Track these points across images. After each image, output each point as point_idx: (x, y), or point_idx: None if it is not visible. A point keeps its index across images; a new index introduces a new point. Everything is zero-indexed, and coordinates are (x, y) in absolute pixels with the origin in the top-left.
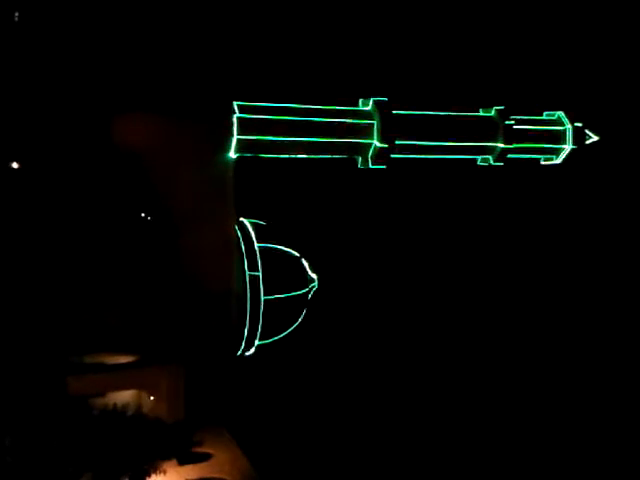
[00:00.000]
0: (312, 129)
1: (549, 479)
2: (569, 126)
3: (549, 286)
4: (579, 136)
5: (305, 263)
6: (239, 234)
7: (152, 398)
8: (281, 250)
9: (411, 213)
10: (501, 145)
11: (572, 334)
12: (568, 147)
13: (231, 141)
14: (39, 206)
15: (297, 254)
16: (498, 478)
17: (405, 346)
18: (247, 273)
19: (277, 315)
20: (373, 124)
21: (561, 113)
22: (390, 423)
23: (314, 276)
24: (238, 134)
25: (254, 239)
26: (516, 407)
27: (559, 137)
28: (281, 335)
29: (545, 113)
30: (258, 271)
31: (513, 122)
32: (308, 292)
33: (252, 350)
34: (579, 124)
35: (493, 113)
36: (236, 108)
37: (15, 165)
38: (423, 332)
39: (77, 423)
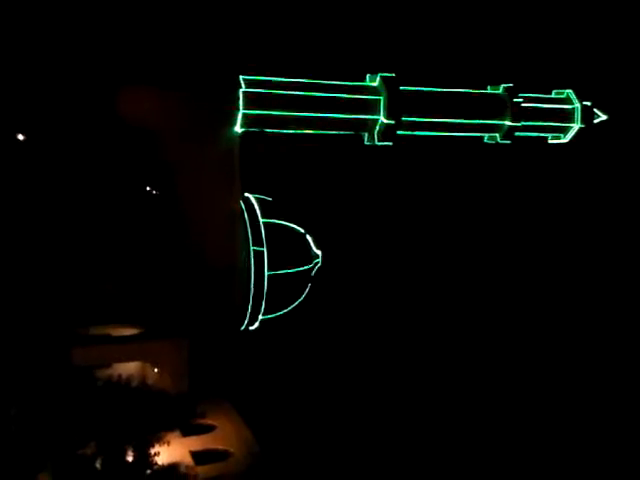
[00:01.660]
0: (318, 104)
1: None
2: (578, 105)
3: (554, 268)
4: (588, 115)
5: (310, 239)
6: (244, 209)
7: (156, 370)
8: (286, 226)
9: (417, 191)
10: (508, 123)
11: (577, 321)
12: (576, 126)
13: (237, 115)
14: (45, 178)
15: (302, 230)
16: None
17: (407, 322)
18: (252, 248)
19: (281, 290)
20: (380, 100)
21: (570, 91)
22: (390, 396)
23: (318, 252)
24: (244, 108)
25: (259, 214)
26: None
27: (567, 115)
28: (285, 310)
29: (554, 91)
30: (263, 246)
31: (521, 100)
32: (312, 268)
33: (256, 325)
34: (588, 103)
35: (501, 91)
36: (242, 82)
37: (21, 137)
38: (425, 310)
39: (82, 393)
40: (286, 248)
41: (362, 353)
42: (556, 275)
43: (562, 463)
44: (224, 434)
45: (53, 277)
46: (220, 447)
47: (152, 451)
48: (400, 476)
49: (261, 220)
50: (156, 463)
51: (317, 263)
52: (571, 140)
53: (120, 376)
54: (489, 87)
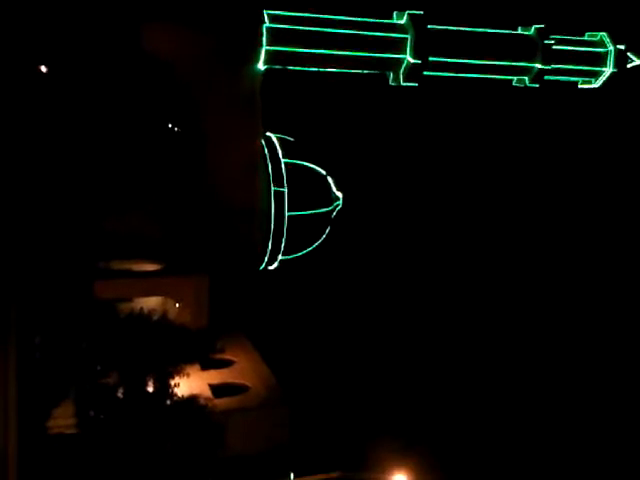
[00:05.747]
0: (343, 42)
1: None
2: (611, 48)
3: (577, 223)
4: (621, 59)
5: (331, 181)
6: (265, 149)
7: (177, 305)
8: (307, 167)
9: (441, 134)
10: (539, 65)
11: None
12: (608, 70)
13: (260, 52)
14: (68, 112)
15: (323, 171)
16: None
17: (424, 268)
18: (272, 188)
19: (300, 232)
20: (407, 39)
21: (604, 34)
22: (402, 336)
23: (339, 194)
24: (267, 45)
25: (280, 154)
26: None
27: (600, 59)
28: (304, 251)
29: (587, 34)
30: (283, 187)
31: (553, 42)
32: (332, 210)
33: (275, 265)
34: (622, 46)
35: (532, 32)
36: (266, 17)
37: (44, 69)
38: (444, 257)
39: (104, 325)
40: (307, 189)
41: (376, 294)
42: (584, 231)
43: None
44: (242, 369)
45: (76, 212)
46: (238, 381)
47: (172, 383)
48: (407, 402)
49: (282, 160)
50: (176, 394)
51: (337, 205)
52: (602, 85)
53: (142, 310)
54: (520, 28)
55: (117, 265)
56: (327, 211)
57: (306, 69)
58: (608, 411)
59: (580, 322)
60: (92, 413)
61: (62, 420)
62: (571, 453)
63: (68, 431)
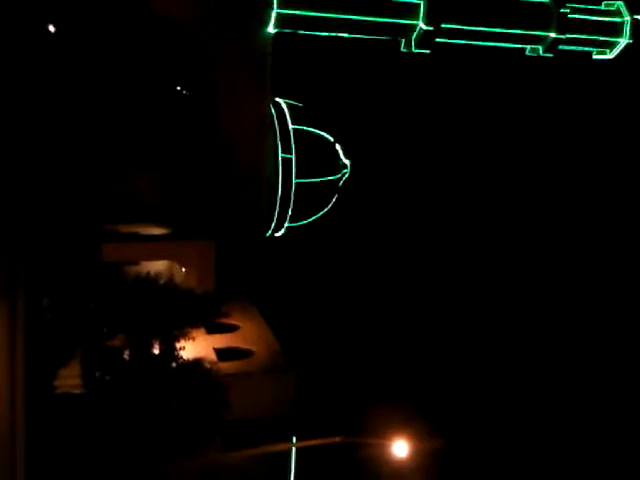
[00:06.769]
0: (356, 6)
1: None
2: (628, 18)
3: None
4: (637, 30)
5: (339, 148)
6: (274, 114)
7: (184, 270)
8: (315, 133)
9: (452, 103)
10: (553, 35)
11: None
12: (624, 41)
13: (270, 15)
14: (76, 73)
15: (331, 138)
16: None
17: (430, 236)
18: (280, 155)
19: (308, 199)
20: (420, 4)
21: (621, 3)
22: (407, 303)
23: (347, 162)
24: (278, 7)
25: (289, 120)
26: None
27: (616, 29)
28: (311, 219)
29: (604, 2)
30: (291, 153)
31: (568, 10)
32: (340, 178)
33: (282, 231)
34: (639, 16)
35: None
36: None
37: (52, 28)
38: (450, 225)
39: (111, 288)
40: (315, 156)
41: (382, 261)
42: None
43: (563, 429)
44: (247, 334)
45: (84, 175)
46: (242, 346)
47: (178, 345)
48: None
49: (290, 126)
50: (181, 357)
51: (345, 173)
52: (617, 56)
53: (148, 274)
54: None
55: (124, 228)
56: (334, 179)
57: (317, 34)
58: (606, 394)
59: (580, 306)
60: (98, 374)
61: (69, 380)
62: (571, 421)
63: (74, 391)
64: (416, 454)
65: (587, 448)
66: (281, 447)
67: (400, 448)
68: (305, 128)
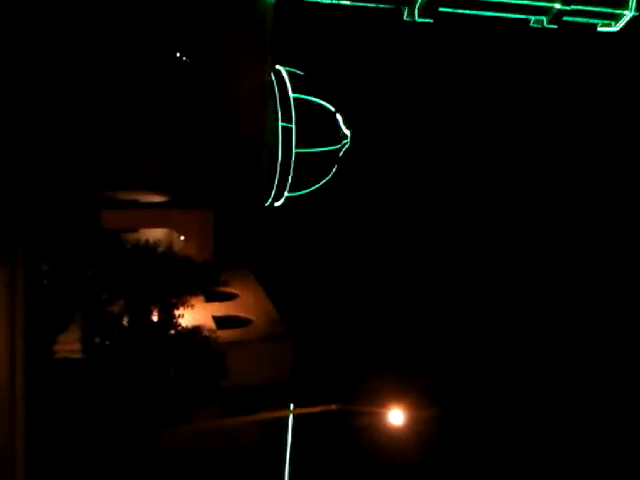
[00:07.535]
0: None
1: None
2: None
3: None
4: None
5: (340, 118)
6: (274, 82)
7: (182, 238)
8: (316, 102)
9: (454, 73)
10: (558, 6)
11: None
12: (629, 13)
13: None
14: (76, 42)
15: (332, 108)
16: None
17: (431, 208)
18: (280, 124)
19: (307, 169)
20: None
21: None
22: (405, 272)
23: (347, 132)
24: None
25: (290, 89)
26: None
27: (621, 1)
28: (310, 189)
29: None
30: (291, 122)
31: None
32: (340, 149)
33: (281, 201)
34: None
35: None
36: None
37: None
38: (449, 195)
39: (110, 254)
40: (315, 126)
41: (381, 231)
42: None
43: (562, 404)
44: (245, 302)
45: (84, 142)
46: (241, 314)
47: (176, 313)
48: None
49: (291, 95)
50: (180, 324)
51: (345, 144)
52: (622, 29)
53: (147, 241)
54: None
55: (123, 196)
56: (335, 149)
57: (319, 1)
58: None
59: (578, 299)
60: (97, 339)
61: (68, 345)
62: (570, 398)
63: (73, 356)
64: (412, 422)
65: (581, 417)
66: (278, 414)
67: (396, 416)
68: (306, 97)
